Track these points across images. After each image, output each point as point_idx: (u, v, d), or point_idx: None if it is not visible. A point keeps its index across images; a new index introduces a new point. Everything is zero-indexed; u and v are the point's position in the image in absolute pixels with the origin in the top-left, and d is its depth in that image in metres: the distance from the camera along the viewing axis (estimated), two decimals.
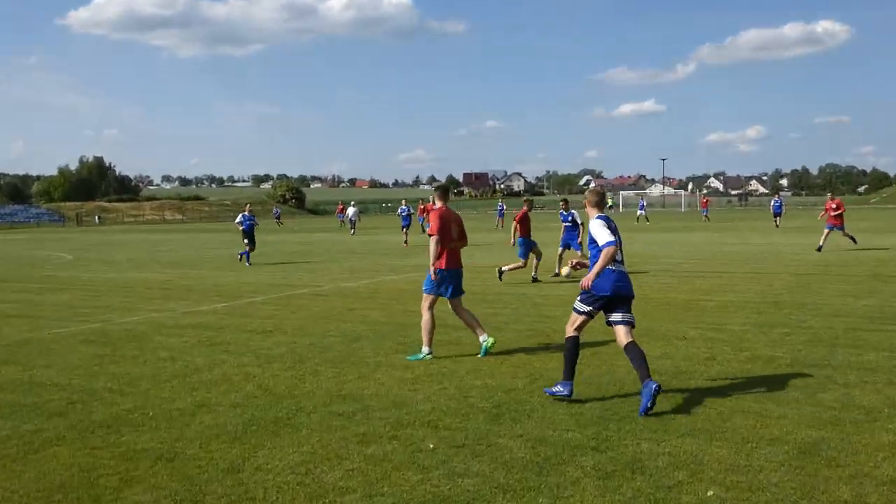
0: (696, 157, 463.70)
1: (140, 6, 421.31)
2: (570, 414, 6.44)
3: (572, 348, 6.88)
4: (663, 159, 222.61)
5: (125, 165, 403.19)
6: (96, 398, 7.41)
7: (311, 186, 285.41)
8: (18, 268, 24.86)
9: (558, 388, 6.84)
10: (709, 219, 54.53)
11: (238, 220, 24.38)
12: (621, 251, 6.94)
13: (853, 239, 23.08)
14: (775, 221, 40.01)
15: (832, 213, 23.11)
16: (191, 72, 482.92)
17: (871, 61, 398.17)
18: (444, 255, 8.78)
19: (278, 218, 70.83)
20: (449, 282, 8.84)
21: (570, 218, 17.47)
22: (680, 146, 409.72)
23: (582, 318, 6.90)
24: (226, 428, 6.31)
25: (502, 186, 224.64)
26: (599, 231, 6.79)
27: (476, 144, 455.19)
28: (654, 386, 6.31)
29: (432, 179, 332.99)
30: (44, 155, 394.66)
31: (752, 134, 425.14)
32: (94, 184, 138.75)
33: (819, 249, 22.13)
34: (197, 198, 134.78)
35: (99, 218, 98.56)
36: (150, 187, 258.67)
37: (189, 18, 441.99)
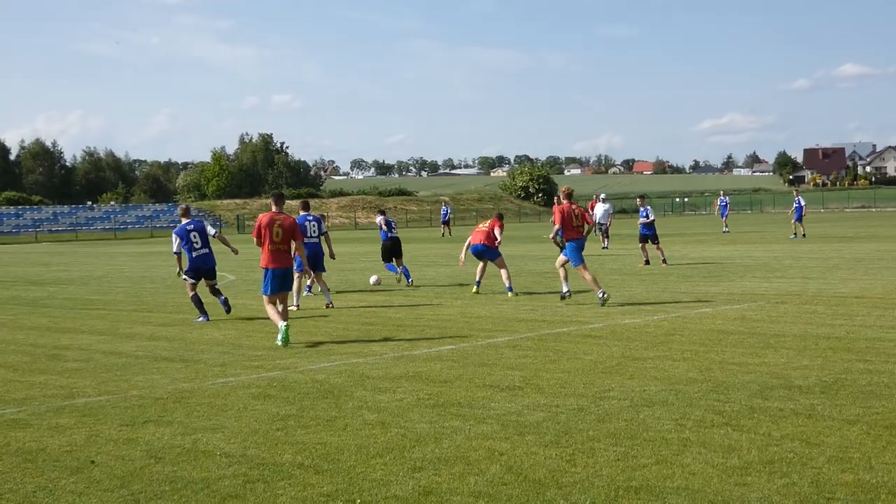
0: None
1: None
2: None
3: None
4: None
5: (300, 145, 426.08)
6: (282, 476, 7.92)
7: (566, 173, 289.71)
8: (166, 291, 27.03)
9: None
10: None
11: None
12: None
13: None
14: None
15: None
16: None
17: None
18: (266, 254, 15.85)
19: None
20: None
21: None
22: None
23: None
24: None
25: (868, 169, 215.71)
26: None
27: (824, 103, 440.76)
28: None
29: (753, 160, 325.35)
30: (189, 134, 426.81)
31: None
32: (258, 174, 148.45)
33: None
34: (401, 192, 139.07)
35: None
36: (336, 178, 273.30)
37: None
